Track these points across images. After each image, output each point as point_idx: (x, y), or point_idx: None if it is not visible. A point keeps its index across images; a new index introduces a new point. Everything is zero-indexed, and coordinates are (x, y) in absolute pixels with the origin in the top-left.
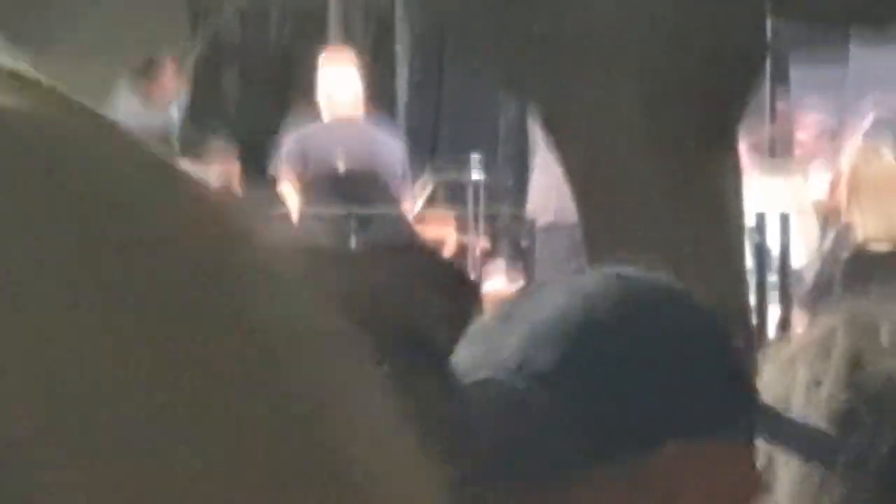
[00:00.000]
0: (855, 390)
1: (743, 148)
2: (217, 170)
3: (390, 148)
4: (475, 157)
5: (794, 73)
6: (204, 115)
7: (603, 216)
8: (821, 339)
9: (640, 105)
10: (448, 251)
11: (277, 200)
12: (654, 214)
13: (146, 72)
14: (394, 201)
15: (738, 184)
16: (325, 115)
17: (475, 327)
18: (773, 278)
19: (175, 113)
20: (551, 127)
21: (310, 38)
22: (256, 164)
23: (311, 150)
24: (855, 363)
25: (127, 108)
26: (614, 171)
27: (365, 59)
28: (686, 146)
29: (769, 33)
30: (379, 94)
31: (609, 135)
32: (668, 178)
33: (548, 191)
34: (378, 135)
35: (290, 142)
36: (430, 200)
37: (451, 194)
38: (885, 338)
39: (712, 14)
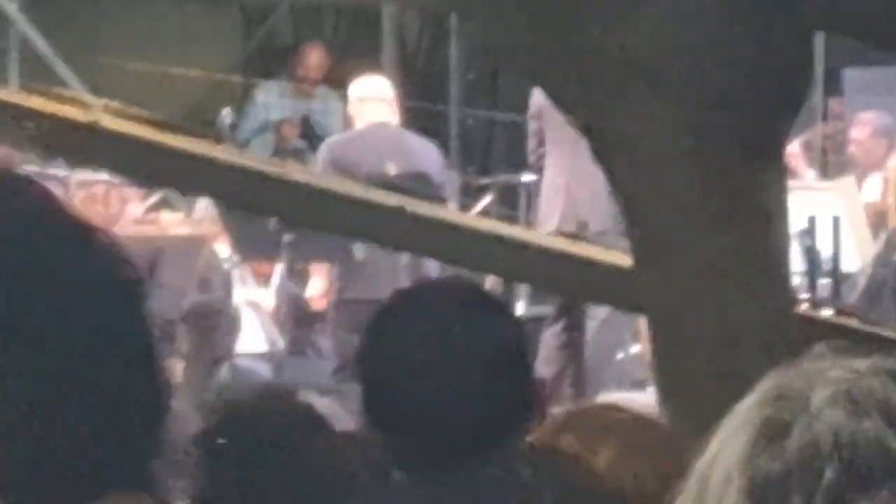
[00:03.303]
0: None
1: (794, 148)
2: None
3: (430, 151)
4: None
5: (848, 73)
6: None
7: (649, 228)
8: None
9: (685, 118)
10: None
11: None
12: (700, 227)
13: (291, 60)
14: (443, 203)
15: (784, 196)
16: (358, 122)
17: None
18: (824, 281)
19: (321, 100)
20: (596, 140)
21: (364, 38)
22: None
23: (352, 156)
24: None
25: (266, 99)
26: (660, 183)
27: (419, 62)
28: (732, 159)
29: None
30: (433, 97)
31: (655, 148)
32: (714, 191)
33: (553, 197)
34: (414, 138)
35: (325, 150)
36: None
37: (503, 198)
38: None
39: (760, 27)
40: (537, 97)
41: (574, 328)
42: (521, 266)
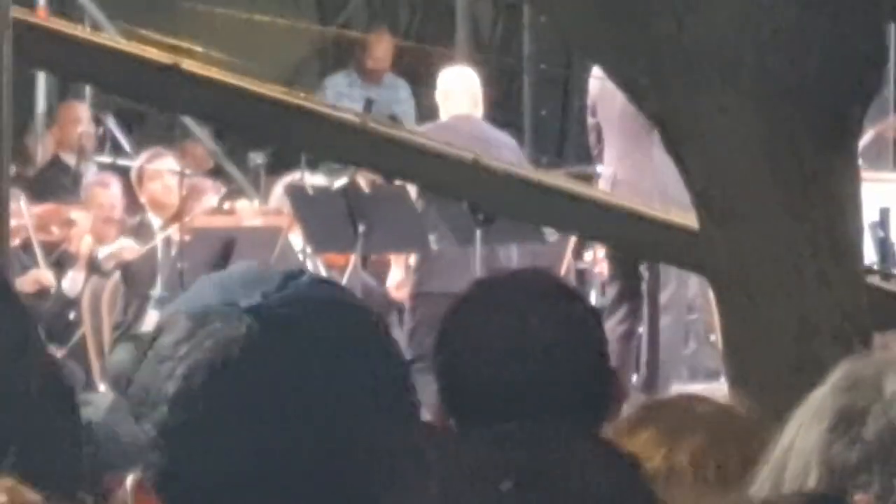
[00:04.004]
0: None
1: (866, 140)
2: None
3: (508, 145)
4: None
5: None
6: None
7: (721, 220)
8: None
9: (758, 109)
10: (570, 246)
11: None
12: (772, 218)
13: (359, 50)
14: None
15: (857, 186)
16: (443, 114)
17: None
18: None
19: (389, 89)
20: (668, 131)
21: (438, 28)
22: None
23: None
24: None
25: (336, 90)
26: (732, 175)
27: (492, 54)
28: (804, 150)
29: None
30: (506, 90)
31: (727, 139)
32: (786, 183)
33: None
34: (494, 132)
35: None
36: None
37: None
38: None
39: (832, 18)
40: (593, 92)
41: (632, 318)
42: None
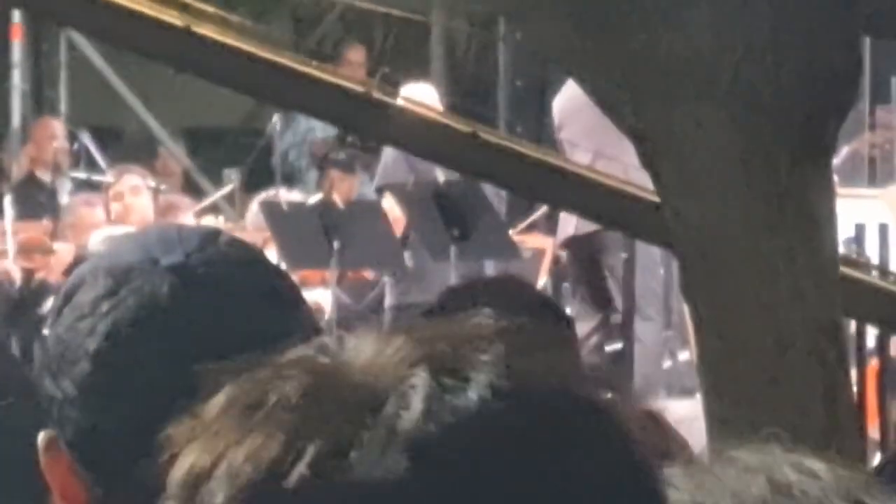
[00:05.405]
0: None
1: (842, 156)
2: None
3: None
4: None
5: None
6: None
7: (696, 235)
8: None
9: (734, 123)
10: (546, 262)
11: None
12: (747, 231)
13: (333, 62)
14: (493, 212)
15: (832, 201)
16: None
17: None
18: None
19: None
20: (643, 144)
21: (413, 45)
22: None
23: (403, 165)
24: None
25: None
26: (707, 187)
27: (468, 68)
28: (779, 165)
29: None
30: (481, 103)
31: (702, 152)
32: (761, 195)
33: None
34: None
35: (384, 159)
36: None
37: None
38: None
39: (807, 32)
40: (557, 110)
41: (603, 329)
42: None
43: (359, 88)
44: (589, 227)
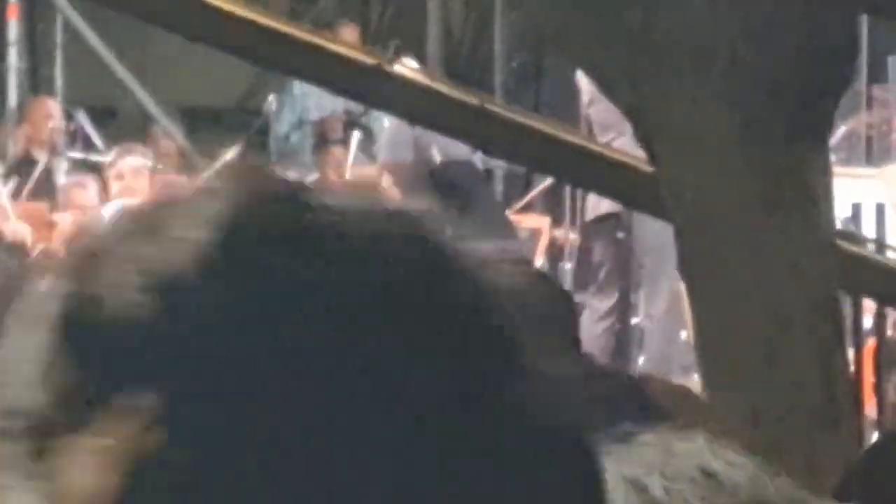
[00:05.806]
0: None
1: (839, 135)
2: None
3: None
4: None
5: (893, 61)
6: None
7: (693, 213)
8: None
9: (730, 101)
10: (542, 243)
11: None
12: (744, 208)
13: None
14: (490, 192)
15: (829, 179)
16: None
17: None
18: None
19: None
20: (640, 123)
21: (409, 25)
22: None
23: (401, 145)
24: None
25: (303, 89)
26: (704, 165)
27: (464, 48)
28: (776, 142)
29: (863, 30)
30: (477, 86)
31: (699, 130)
32: (758, 173)
33: None
34: None
35: (392, 130)
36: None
37: (549, 186)
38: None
39: (805, 10)
40: (588, 87)
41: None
42: None
43: (369, 60)
44: (616, 206)
